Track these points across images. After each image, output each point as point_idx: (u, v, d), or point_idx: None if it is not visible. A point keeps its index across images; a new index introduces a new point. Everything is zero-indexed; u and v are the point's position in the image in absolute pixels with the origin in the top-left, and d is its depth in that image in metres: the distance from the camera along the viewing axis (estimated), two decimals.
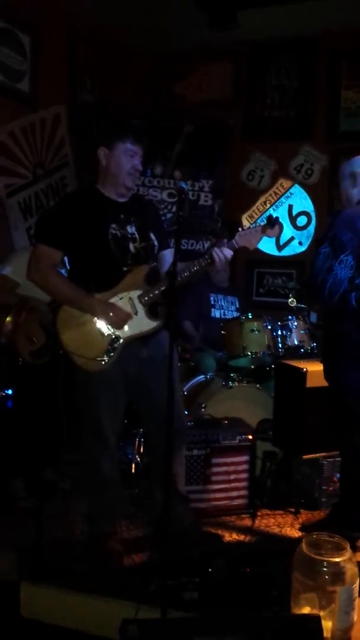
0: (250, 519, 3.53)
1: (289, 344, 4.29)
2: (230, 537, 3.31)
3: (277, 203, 5.85)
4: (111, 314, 2.88)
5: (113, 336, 2.90)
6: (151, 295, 2.94)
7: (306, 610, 2.35)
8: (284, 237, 5.80)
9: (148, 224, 3.04)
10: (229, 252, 2.91)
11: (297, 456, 3.69)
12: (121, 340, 2.91)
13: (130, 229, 2.96)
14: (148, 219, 3.06)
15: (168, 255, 3.10)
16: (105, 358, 2.88)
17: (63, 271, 3.15)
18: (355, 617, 2.39)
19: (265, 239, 3.02)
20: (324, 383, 3.19)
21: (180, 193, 2.75)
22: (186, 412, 3.73)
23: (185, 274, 2.90)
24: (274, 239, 5.71)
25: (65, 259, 3.08)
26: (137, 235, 2.97)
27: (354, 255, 2.91)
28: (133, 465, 3.95)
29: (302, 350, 4.27)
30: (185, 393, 4.24)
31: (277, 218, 2.99)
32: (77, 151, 5.36)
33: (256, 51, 5.81)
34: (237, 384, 4.17)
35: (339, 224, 3.00)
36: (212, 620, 2.19)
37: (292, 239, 5.81)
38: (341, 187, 3.18)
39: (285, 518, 3.56)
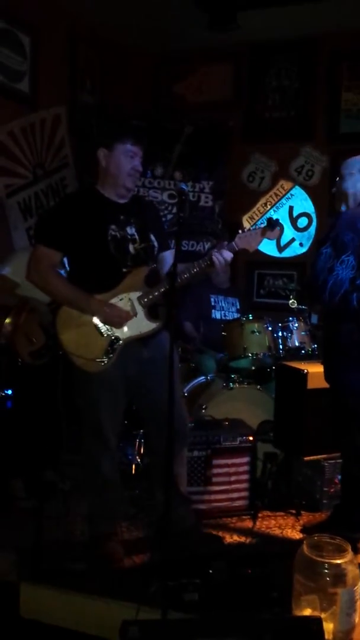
0: (251, 520, 3.52)
1: (290, 345, 4.28)
2: (231, 538, 3.30)
3: (277, 204, 5.85)
4: (110, 314, 2.87)
5: (112, 337, 2.90)
6: (151, 296, 2.93)
7: (307, 612, 2.34)
8: (285, 239, 5.80)
9: (148, 225, 3.03)
10: (228, 255, 2.90)
11: (298, 457, 3.68)
12: (120, 342, 2.90)
13: (130, 230, 2.96)
14: (148, 220, 3.05)
15: (168, 256, 3.10)
16: (105, 359, 2.88)
17: (63, 272, 3.14)
18: (357, 619, 2.38)
19: (265, 240, 3.01)
20: (325, 384, 3.19)
21: (181, 194, 2.75)
22: None
23: (185, 276, 2.90)
24: (274, 241, 5.70)
25: (65, 260, 3.08)
26: (136, 237, 2.97)
27: (356, 255, 2.90)
28: (133, 466, 3.94)
29: (302, 351, 4.27)
30: (186, 394, 4.23)
31: (277, 220, 2.98)
32: (77, 152, 5.36)
33: (256, 52, 5.81)
34: (237, 385, 4.16)
35: (341, 225, 3.00)
36: (213, 621, 2.18)
37: (292, 240, 5.81)
38: (343, 186, 3.16)
39: (286, 519, 3.55)
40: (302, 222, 5.78)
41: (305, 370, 3.56)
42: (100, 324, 2.90)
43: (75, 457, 3.27)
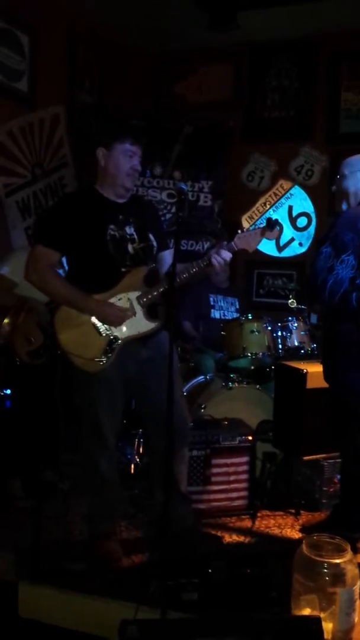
0: (250, 520, 3.52)
1: (289, 345, 4.28)
2: (230, 538, 3.30)
3: (277, 204, 5.85)
4: (109, 313, 2.87)
5: (111, 337, 2.90)
6: (150, 296, 2.93)
7: (306, 611, 2.34)
8: (284, 238, 5.80)
9: (147, 224, 3.03)
10: (227, 255, 2.90)
11: (297, 457, 3.68)
12: (119, 341, 2.90)
13: (129, 230, 2.95)
14: (147, 219, 3.05)
15: (167, 256, 3.09)
16: (104, 359, 2.88)
17: (61, 272, 3.14)
18: (356, 619, 2.38)
19: (265, 240, 3.01)
20: (324, 384, 3.18)
21: (180, 194, 2.76)
22: None
23: (184, 276, 2.89)
24: (274, 240, 5.71)
25: (64, 259, 3.07)
26: (135, 236, 2.96)
27: (356, 255, 2.90)
28: (132, 466, 3.94)
29: (302, 351, 4.27)
30: (185, 394, 4.23)
31: (276, 220, 2.98)
32: (76, 151, 5.36)
33: (256, 52, 5.81)
34: (237, 384, 4.16)
35: (341, 224, 2.99)
36: (212, 621, 2.18)
37: (292, 240, 5.81)
38: (343, 185, 3.15)
39: (285, 519, 3.55)
40: (302, 221, 5.78)
41: (305, 370, 3.55)
42: (98, 324, 2.89)
43: (74, 457, 3.26)
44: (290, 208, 5.81)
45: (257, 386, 4.20)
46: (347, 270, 2.90)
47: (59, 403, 3.45)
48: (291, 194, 5.80)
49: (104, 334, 2.89)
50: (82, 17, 5.28)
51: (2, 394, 3.74)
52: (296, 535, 3.34)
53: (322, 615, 2.27)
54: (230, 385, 4.13)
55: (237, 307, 5.09)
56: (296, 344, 4.28)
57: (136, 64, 5.94)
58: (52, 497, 3.51)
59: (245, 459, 3.60)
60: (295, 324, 4.31)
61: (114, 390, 2.95)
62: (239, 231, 2.96)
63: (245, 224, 5.86)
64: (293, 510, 3.60)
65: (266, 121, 5.83)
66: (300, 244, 5.79)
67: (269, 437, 3.86)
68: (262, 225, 2.96)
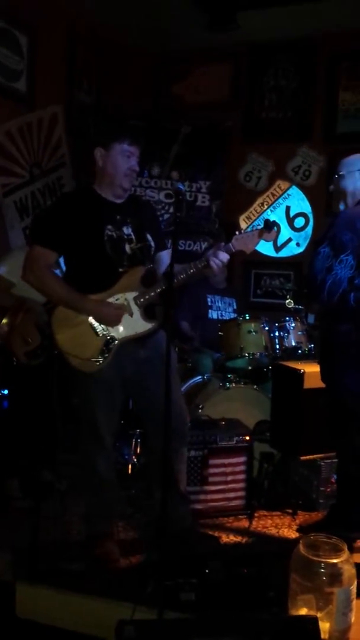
0: (248, 520, 3.52)
1: (287, 345, 4.29)
2: (227, 538, 3.30)
3: (274, 204, 5.85)
4: (105, 313, 2.87)
5: (108, 337, 2.90)
6: (147, 296, 2.93)
7: (304, 611, 2.34)
8: (282, 239, 5.80)
9: (145, 224, 3.03)
10: (225, 256, 2.90)
11: (295, 457, 3.68)
12: (116, 341, 2.90)
13: (127, 230, 2.95)
14: (145, 219, 3.05)
15: (165, 256, 3.09)
16: (100, 359, 2.88)
17: (58, 272, 3.14)
18: (353, 619, 2.38)
19: (262, 240, 3.01)
20: (322, 384, 3.19)
21: (178, 194, 2.75)
22: None
23: (182, 276, 2.90)
24: (271, 241, 5.71)
25: (61, 260, 3.07)
26: (133, 236, 2.96)
27: (354, 255, 2.90)
28: (130, 466, 3.94)
29: (299, 351, 4.27)
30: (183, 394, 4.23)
31: (274, 222, 2.99)
32: (74, 151, 5.36)
33: (255, 52, 5.81)
34: (234, 385, 4.16)
35: (339, 224, 3.00)
36: (209, 621, 2.18)
37: (289, 240, 5.81)
38: (341, 184, 3.15)
39: (282, 519, 3.55)
40: (299, 222, 5.78)
41: (302, 370, 3.55)
42: (95, 324, 2.89)
43: (72, 457, 3.27)
44: (287, 208, 5.81)
45: (255, 386, 4.20)
46: (346, 270, 2.90)
47: (57, 403, 3.45)
48: (289, 194, 5.80)
49: (100, 334, 2.89)
50: (82, 17, 5.28)
51: None
52: (293, 535, 3.34)
53: (319, 615, 2.27)
54: (228, 386, 4.13)
55: (235, 307, 5.09)
56: (293, 344, 4.28)
57: (136, 64, 5.94)
58: (50, 497, 3.50)
59: (242, 459, 3.60)
60: (293, 324, 4.32)
61: (111, 390, 2.95)
62: (237, 232, 2.97)
63: (243, 225, 5.86)
64: (290, 510, 3.60)
65: (264, 121, 5.83)
66: (298, 244, 5.79)
67: (266, 437, 3.86)
68: (259, 227, 2.96)
